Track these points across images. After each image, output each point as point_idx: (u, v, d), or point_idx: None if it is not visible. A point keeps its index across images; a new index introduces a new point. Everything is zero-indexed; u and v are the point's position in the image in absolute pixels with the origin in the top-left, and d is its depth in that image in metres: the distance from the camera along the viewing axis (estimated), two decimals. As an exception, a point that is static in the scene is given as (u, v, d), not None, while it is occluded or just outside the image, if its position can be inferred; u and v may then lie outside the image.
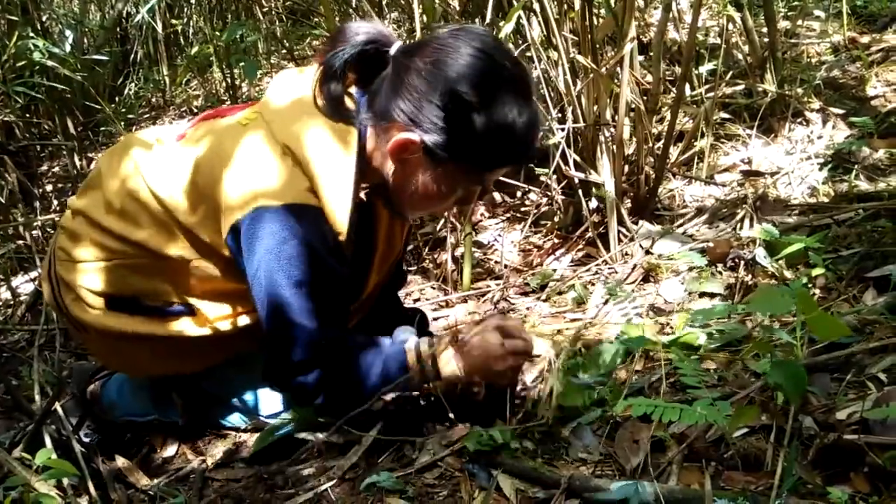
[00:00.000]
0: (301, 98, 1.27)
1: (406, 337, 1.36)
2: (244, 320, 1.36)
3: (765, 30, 2.31)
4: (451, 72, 1.17)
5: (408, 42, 1.29)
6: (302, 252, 1.21)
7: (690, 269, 1.73)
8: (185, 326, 1.36)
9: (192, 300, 1.35)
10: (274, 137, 1.24)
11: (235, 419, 1.50)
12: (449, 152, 1.20)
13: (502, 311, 1.46)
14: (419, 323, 1.66)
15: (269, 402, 1.46)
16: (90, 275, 1.36)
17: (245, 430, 1.51)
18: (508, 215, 2.34)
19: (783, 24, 2.62)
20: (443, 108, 1.17)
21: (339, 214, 1.22)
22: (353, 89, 1.30)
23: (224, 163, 1.25)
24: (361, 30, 1.24)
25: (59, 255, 1.40)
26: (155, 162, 1.34)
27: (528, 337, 1.32)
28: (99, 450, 1.50)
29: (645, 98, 2.02)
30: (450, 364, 1.28)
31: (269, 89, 1.33)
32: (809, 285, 1.48)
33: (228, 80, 3.40)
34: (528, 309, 1.83)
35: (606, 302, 1.73)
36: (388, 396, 1.32)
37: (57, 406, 1.39)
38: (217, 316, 1.36)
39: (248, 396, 1.46)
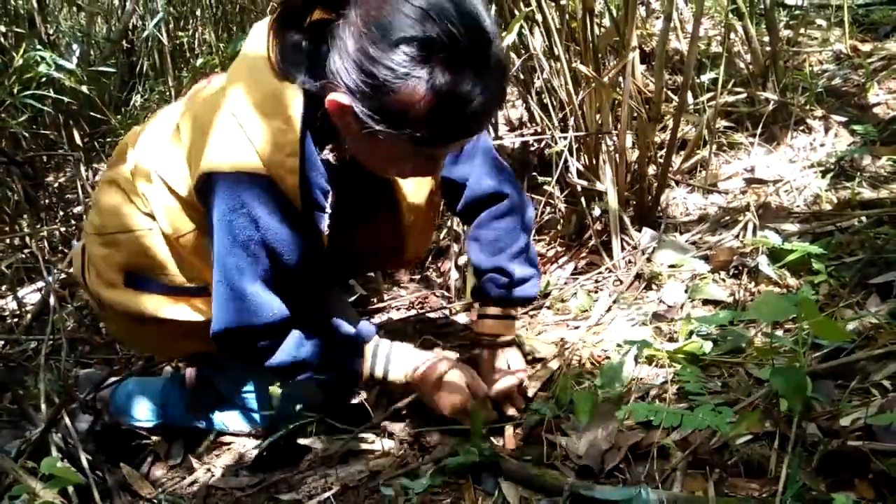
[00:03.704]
0: (255, 54, 1.20)
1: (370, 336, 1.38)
2: None
3: (766, 38, 2.31)
4: (379, 32, 1.03)
5: None
6: (245, 222, 1.18)
7: (693, 276, 1.73)
8: (200, 306, 1.37)
9: (205, 281, 1.35)
10: (225, 99, 1.19)
11: (236, 422, 1.51)
12: (377, 122, 1.08)
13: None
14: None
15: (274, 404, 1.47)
16: (110, 249, 1.39)
17: (246, 435, 1.52)
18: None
19: (785, 33, 2.62)
20: (366, 73, 1.05)
21: (287, 184, 1.17)
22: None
23: (196, 130, 1.23)
24: None
25: (86, 229, 1.45)
26: (156, 135, 1.37)
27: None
28: (105, 458, 1.51)
29: (647, 107, 2.03)
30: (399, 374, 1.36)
31: (246, 41, 1.27)
32: (813, 292, 1.48)
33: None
34: (531, 317, 1.83)
35: (610, 310, 1.73)
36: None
37: (64, 415, 1.40)
38: None
39: (253, 398, 1.48)
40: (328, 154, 1.22)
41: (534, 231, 2.20)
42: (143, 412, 1.58)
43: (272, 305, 1.26)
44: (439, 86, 1.03)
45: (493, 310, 1.50)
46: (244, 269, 1.21)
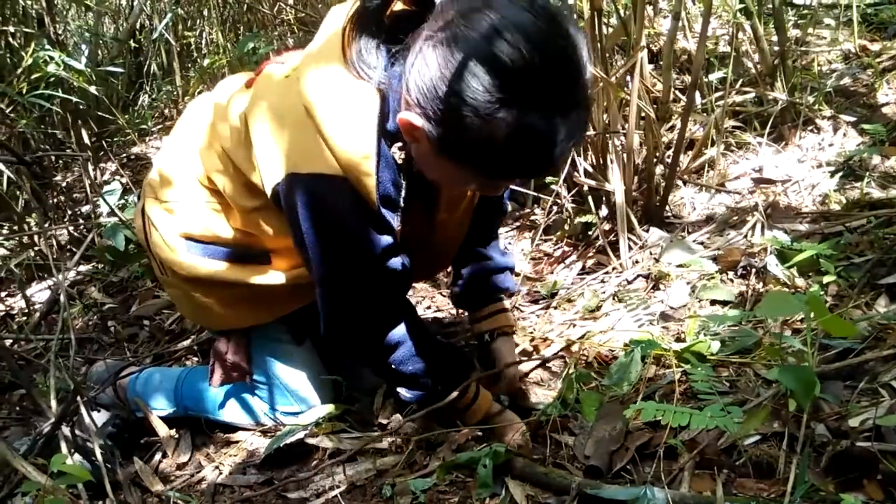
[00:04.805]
0: (331, 47, 1.18)
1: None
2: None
3: (775, 38, 2.31)
4: (464, 62, 0.97)
5: None
6: (331, 225, 1.20)
7: (701, 276, 1.73)
8: (258, 273, 1.39)
9: (266, 248, 1.38)
10: (300, 96, 1.17)
11: (238, 414, 1.53)
12: (447, 152, 1.07)
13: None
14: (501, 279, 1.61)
15: (289, 401, 1.50)
16: (173, 215, 1.42)
17: (252, 431, 1.53)
18: (518, 224, 2.34)
19: (793, 33, 2.61)
20: (445, 104, 1.00)
21: (363, 184, 1.16)
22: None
23: (263, 121, 1.23)
24: None
25: (147, 192, 1.47)
26: (220, 109, 1.39)
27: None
28: (120, 452, 1.52)
29: (655, 106, 2.03)
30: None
31: (322, 25, 1.25)
32: (822, 292, 1.48)
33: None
34: (538, 316, 1.83)
35: (617, 309, 1.73)
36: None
37: (80, 405, 1.40)
38: (289, 266, 1.38)
39: (264, 389, 1.51)
40: (396, 151, 1.21)
41: (541, 230, 2.20)
42: (158, 400, 1.60)
43: (373, 300, 1.27)
44: (522, 129, 0.99)
45: (507, 303, 1.60)
46: (338, 267, 1.23)
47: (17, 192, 2.83)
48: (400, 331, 1.30)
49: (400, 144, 1.19)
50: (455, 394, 1.31)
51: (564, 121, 1.00)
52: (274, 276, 1.38)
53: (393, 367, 1.32)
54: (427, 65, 1.02)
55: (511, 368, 1.50)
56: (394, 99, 1.13)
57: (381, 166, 1.17)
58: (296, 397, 1.49)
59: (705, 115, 2.26)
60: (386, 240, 1.23)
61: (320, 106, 1.14)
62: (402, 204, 1.23)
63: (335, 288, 1.25)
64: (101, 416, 1.62)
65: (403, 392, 1.36)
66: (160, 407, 1.60)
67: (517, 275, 2.05)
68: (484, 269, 1.58)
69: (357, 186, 1.16)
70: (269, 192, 1.22)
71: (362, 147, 1.14)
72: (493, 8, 0.98)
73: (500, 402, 1.42)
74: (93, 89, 3.09)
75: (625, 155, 1.95)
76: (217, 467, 1.47)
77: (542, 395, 1.51)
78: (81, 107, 3.32)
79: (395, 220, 1.24)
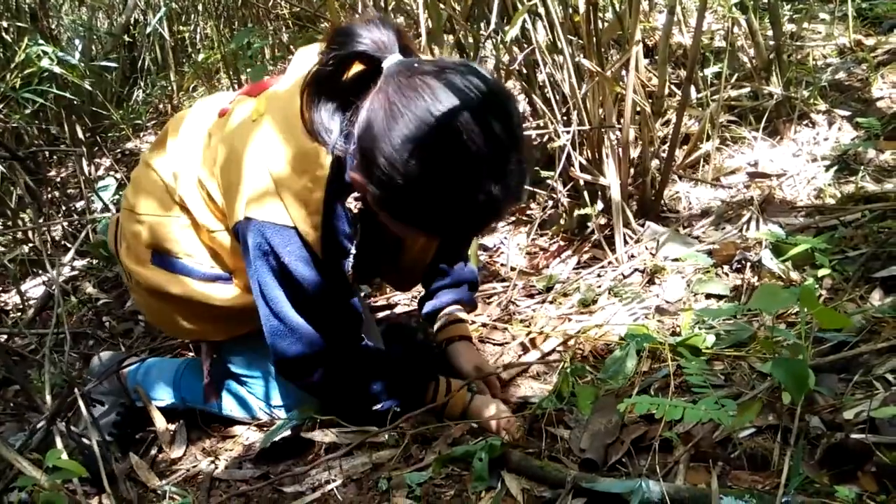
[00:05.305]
0: (292, 101, 1.21)
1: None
2: None
3: (770, 32, 2.31)
4: (400, 135, 1.02)
5: (405, 59, 1.12)
6: (280, 268, 1.26)
7: (696, 270, 1.73)
8: (219, 293, 1.42)
9: (230, 270, 1.42)
10: (260, 147, 1.25)
11: (234, 406, 1.54)
12: (390, 212, 1.13)
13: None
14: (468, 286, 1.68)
15: (282, 393, 1.50)
16: (141, 227, 1.44)
17: (248, 425, 1.53)
18: (514, 218, 2.34)
19: (788, 27, 2.62)
20: (383, 171, 1.05)
21: (311, 238, 1.24)
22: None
23: (229, 161, 1.30)
24: (357, 37, 1.12)
25: (122, 203, 1.51)
26: (196, 133, 1.42)
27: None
28: (119, 442, 1.53)
29: (650, 101, 2.03)
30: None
31: (287, 71, 1.33)
32: (816, 286, 1.48)
33: (236, 86, 3.42)
34: (534, 311, 1.83)
35: (613, 304, 1.73)
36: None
37: (78, 397, 1.40)
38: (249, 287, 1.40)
39: (258, 383, 1.52)
40: (352, 203, 1.27)
41: (536, 225, 2.20)
42: (158, 391, 1.61)
43: (322, 334, 1.32)
44: (456, 195, 1.05)
45: (463, 314, 1.65)
46: (286, 304, 1.29)
47: (11, 188, 2.82)
48: (350, 364, 1.38)
49: (356, 195, 1.26)
50: (435, 403, 1.39)
51: (496, 184, 1.05)
52: (235, 296, 1.43)
53: (356, 394, 1.39)
54: (368, 130, 1.07)
55: (477, 374, 1.52)
56: (350, 155, 1.17)
57: (330, 222, 1.25)
58: (289, 389, 1.49)
59: (701, 109, 2.26)
60: (332, 285, 1.30)
61: (277, 161, 1.22)
62: (353, 251, 1.30)
63: (280, 327, 1.31)
64: (100, 410, 1.61)
65: (375, 408, 1.40)
66: (159, 397, 1.61)
67: (512, 269, 2.06)
68: (442, 284, 1.64)
69: (305, 237, 1.24)
70: (231, 225, 1.30)
71: (309, 206, 1.22)
72: (427, 83, 1.03)
73: (472, 392, 1.44)
74: (87, 84, 3.08)
75: (620, 149, 1.95)
76: (213, 461, 1.47)
77: (537, 388, 1.52)
78: (75, 102, 3.31)
79: (347, 265, 1.31)
